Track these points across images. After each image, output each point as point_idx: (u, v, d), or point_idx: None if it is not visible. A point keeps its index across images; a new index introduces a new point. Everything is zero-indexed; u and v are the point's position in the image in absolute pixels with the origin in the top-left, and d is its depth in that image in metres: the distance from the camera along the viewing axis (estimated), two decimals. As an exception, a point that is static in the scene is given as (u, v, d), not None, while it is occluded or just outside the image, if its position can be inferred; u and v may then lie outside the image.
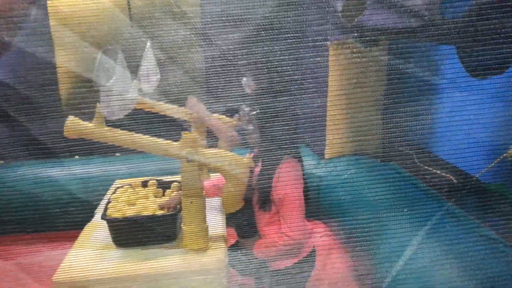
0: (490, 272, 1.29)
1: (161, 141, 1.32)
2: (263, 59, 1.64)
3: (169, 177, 1.72)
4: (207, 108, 1.69)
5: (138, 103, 1.64)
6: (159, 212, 1.43)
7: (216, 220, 1.55)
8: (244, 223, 1.37)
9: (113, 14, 2.48)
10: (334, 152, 2.52)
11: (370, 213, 2.03)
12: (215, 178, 1.63)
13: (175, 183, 1.62)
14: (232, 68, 1.63)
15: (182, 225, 1.39)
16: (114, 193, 1.58)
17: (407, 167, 2.24)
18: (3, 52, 2.75)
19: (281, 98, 1.51)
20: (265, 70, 1.59)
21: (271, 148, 1.37)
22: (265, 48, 1.65)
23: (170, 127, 1.56)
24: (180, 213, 1.40)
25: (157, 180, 1.66)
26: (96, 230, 1.54)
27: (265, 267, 1.42)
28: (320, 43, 2.32)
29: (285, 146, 1.37)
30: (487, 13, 1.17)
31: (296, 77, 1.95)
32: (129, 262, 1.36)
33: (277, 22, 1.71)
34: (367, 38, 1.62)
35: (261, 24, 1.72)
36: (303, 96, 2.38)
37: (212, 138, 1.79)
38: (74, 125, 1.31)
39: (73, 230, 1.60)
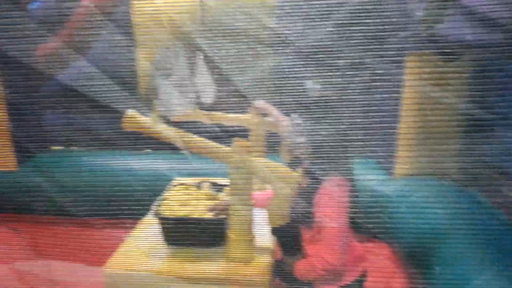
0: None
1: (211, 143, 1.31)
2: (332, 67, 1.57)
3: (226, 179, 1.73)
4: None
5: (194, 115, 1.67)
6: (208, 216, 1.43)
7: (265, 232, 1.51)
8: (288, 239, 1.31)
9: (186, 17, 2.56)
10: (404, 170, 2.34)
11: (439, 242, 1.87)
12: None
13: (228, 187, 1.62)
14: (299, 74, 1.59)
15: (228, 232, 1.38)
16: (170, 191, 1.62)
17: (488, 195, 2.01)
18: (88, 48, 2.99)
19: (344, 109, 1.43)
20: (334, 78, 1.52)
21: (320, 163, 1.30)
22: (336, 54, 1.58)
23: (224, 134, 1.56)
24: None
25: (212, 182, 1.67)
26: (150, 226, 1.59)
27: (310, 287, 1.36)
28: (396, 52, 2.18)
29: (334, 162, 1.29)
30: None
31: (368, 87, 1.84)
32: (176, 261, 1.39)
33: (351, 29, 1.63)
34: (447, 51, 1.47)
35: (335, 30, 1.65)
36: (374, 107, 2.25)
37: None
38: (132, 118, 1.35)
39: (129, 219, 1.67)
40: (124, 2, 2.81)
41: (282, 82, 1.61)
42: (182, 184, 1.69)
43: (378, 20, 1.69)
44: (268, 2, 2.53)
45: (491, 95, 1.45)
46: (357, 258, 1.39)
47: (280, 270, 1.37)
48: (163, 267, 1.36)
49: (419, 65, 2.16)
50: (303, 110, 1.37)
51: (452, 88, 1.77)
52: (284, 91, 1.53)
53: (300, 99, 1.47)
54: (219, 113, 1.79)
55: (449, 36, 1.41)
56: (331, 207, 1.25)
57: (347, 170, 1.36)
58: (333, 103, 1.45)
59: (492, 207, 1.95)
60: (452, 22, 1.37)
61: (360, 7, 1.70)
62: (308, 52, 1.68)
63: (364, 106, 1.74)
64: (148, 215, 1.69)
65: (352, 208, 1.32)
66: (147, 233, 1.55)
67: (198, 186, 1.67)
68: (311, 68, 1.53)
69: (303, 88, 1.52)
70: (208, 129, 1.59)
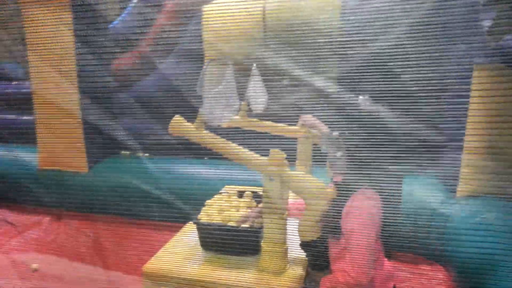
0: None
1: (248, 152, 1.33)
2: (396, 79, 1.51)
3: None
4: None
5: (244, 123, 1.70)
6: (243, 224, 1.44)
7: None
8: (316, 254, 1.28)
9: (249, 30, 2.63)
10: (468, 190, 2.16)
11: (501, 268, 1.70)
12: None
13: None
14: (359, 85, 1.55)
15: (262, 243, 1.37)
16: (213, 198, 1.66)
17: None
18: (160, 61, 3.19)
19: (405, 123, 1.37)
20: (398, 91, 1.45)
21: (353, 176, 1.24)
22: (401, 66, 1.51)
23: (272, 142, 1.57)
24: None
25: (253, 191, 1.68)
26: (192, 231, 1.64)
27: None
28: (463, 64, 2.05)
29: (368, 177, 1.23)
30: None
31: (433, 100, 1.75)
32: (210, 267, 1.41)
33: (417, 41, 1.56)
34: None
35: (401, 42, 1.59)
36: (439, 121, 2.11)
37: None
38: (177, 124, 1.41)
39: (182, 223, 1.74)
40: (195, 18, 2.97)
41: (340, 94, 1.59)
42: (227, 192, 1.72)
43: (445, 31, 1.61)
44: (331, 15, 2.52)
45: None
46: (386, 276, 1.31)
47: (307, 284, 1.34)
48: (198, 272, 1.39)
49: (487, 78, 2.00)
50: (353, 124, 1.33)
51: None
52: (339, 104, 1.51)
53: (352, 112, 1.43)
54: (268, 122, 1.81)
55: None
56: (358, 221, 1.20)
57: (394, 185, 1.29)
58: (391, 116, 1.40)
59: None
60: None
61: (427, 18, 1.63)
62: (371, 64, 1.64)
63: (429, 120, 1.65)
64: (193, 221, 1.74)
65: (392, 224, 1.25)
66: (188, 237, 1.60)
67: (240, 195, 1.69)
68: (373, 81, 1.49)
69: (357, 102, 1.48)
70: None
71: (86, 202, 2.85)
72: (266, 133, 1.72)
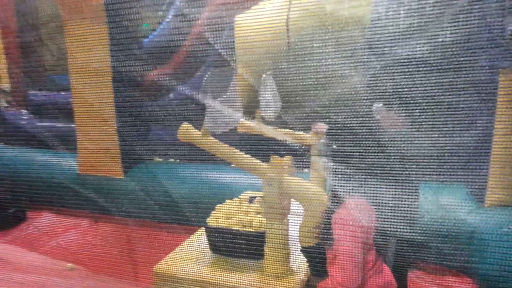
0: None
1: (249, 158, 1.36)
2: (421, 86, 1.49)
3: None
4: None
5: (257, 129, 1.74)
6: (247, 229, 1.48)
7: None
8: (315, 260, 1.28)
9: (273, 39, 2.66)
10: (496, 199, 2.06)
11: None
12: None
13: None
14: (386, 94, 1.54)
15: (264, 247, 1.40)
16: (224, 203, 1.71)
17: None
18: (193, 72, 3.32)
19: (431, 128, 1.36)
20: (422, 97, 1.44)
21: (343, 183, 1.24)
22: (426, 73, 1.50)
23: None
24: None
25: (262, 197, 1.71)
26: (203, 234, 1.70)
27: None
28: (489, 70, 1.96)
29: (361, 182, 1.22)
30: None
31: (458, 107, 1.70)
32: (217, 269, 1.46)
33: (441, 47, 1.53)
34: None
35: (425, 48, 1.57)
36: (465, 128, 2.03)
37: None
38: (185, 131, 1.48)
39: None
40: (228, 26, 3.07)
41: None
42: (241, 197, 1.77)
43: (469, 36, 1.57)
44: (357, 28, 2.50)
45: None
46: (384, 284, 1.28)
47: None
48: (205, 273, 1.44)
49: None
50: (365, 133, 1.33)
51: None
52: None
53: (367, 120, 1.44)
54: (282, 129, 1.84)
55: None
56: (345, 228, 1.19)
57: (410, 193, 1.27)
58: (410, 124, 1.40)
59: None
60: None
61: (452, 23, 1.60)
62: (395, 71, 1.63)
63: (454, 126, 1.61)
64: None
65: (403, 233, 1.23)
66: (199, 241, 1.66)
67: (251, 200, 1.72)
68: (397, 88, 1.48)
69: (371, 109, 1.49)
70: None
71: (121, 206, 3.00)
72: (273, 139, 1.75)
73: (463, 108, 1.81)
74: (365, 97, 1.64)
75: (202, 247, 1.59)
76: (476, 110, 2.13)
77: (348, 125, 1.51)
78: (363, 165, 1.28)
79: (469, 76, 1.76)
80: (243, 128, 1.61)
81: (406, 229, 1.29)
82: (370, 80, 2.01)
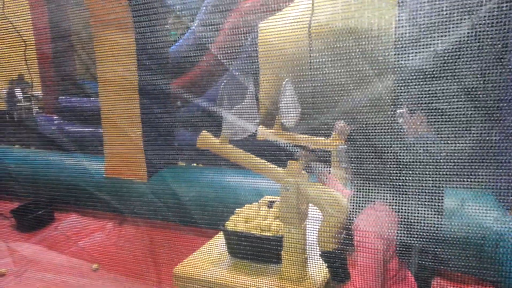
0: None
1: (267, 164, 1.38)
2: (450, 87, 1.47)
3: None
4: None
5: (278, 136, 1.75)
6: (265, 233, 1.49)
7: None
8: (336, 265, 1.27)
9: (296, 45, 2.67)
10: (524, 206, 2.00)
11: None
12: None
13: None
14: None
15: (282, 252, 1.41)
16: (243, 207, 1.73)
17: None
18: (221, 75, 3.37)
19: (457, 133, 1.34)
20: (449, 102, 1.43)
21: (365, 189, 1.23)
22: (455, 74, 1.48)
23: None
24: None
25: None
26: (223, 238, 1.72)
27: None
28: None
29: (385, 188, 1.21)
30: None
31: (487, 109, 1.66)
32: (235, 273, 1.48)
33: (472, 47, 1.51)
34: None
35: (453, 51, 1.55)
36: (494, 132, 1.98)
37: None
38: (204, 138, 1.51)
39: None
40: (253, 33, 3.11)
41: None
42: (259, 202, 1.78)
43: (500, 35, 1.54)
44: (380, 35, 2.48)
45: None
46: None
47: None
48: (224, 276, 1.46)
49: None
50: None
51: None
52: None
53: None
54: (302, 135, 1.84)
55: None
56: (368, 234, 1.18)
57: (435, 199, 1.26)
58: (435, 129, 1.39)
59: None
60: None
61: (481, 21, 1.57)
62: (421, 76, 1.61)
63: (483, 130, 1.58)
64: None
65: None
66: (219, 244, 1.68)
67: (270, 205, 1.73)
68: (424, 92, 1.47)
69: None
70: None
71: (145, 208, 3.07)
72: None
73: (493, 114, 1.77)
74: (390, 103, 1.63)
75: (221, 250, 1.61)
76: (507, 116, 2.07)
77: (371, 131, 1.50)
78: (384, 171, 1.28)
79: (497, 79, 1.71)
80: (263, 135, 1.63)
81: (430, 236, 1.28)
82: (396, 85, 1.99)
